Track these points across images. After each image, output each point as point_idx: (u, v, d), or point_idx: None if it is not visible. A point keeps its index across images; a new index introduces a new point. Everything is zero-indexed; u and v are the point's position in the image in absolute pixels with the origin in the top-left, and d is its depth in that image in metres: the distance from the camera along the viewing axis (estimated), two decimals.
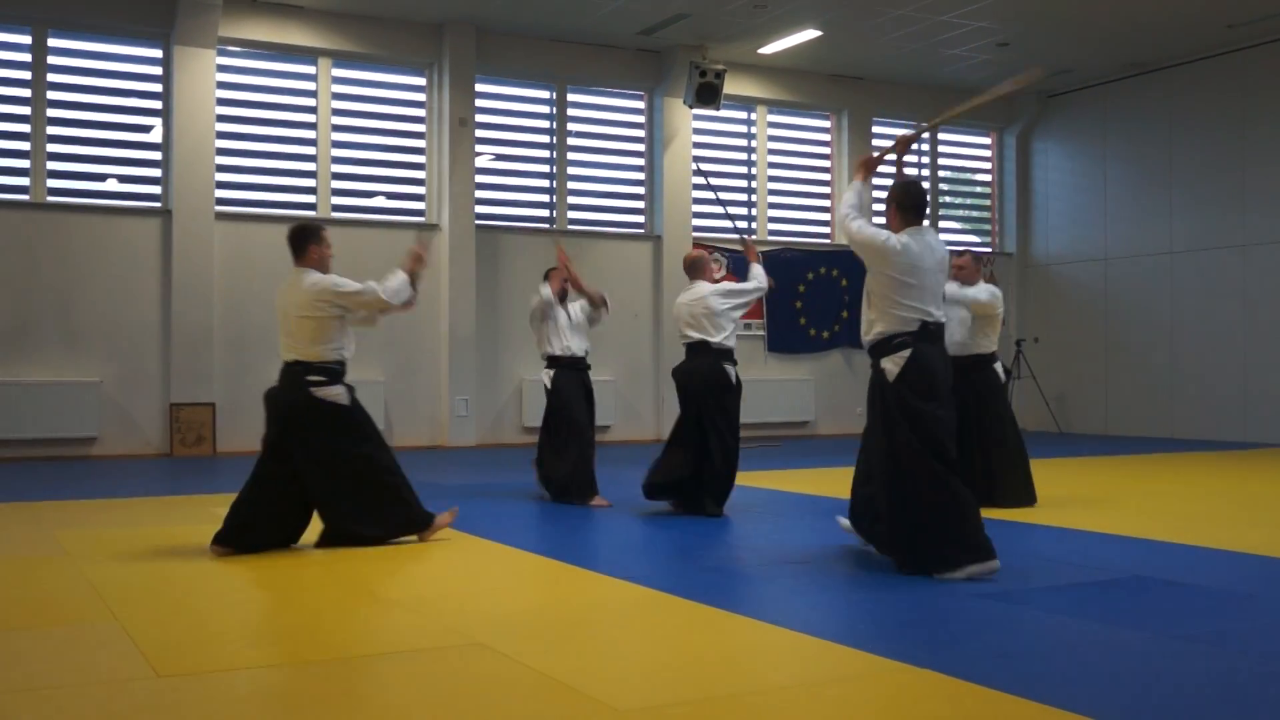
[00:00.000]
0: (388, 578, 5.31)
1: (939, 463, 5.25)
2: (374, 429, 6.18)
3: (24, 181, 11.83)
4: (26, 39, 11.87)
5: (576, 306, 8.43)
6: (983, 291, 7.89)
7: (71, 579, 5.24)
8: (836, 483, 9.35)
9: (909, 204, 5.64)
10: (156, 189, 12.39)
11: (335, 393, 5.98)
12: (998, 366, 7.97)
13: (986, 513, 7.43)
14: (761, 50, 14.36)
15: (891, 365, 5.40)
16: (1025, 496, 7.73)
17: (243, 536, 5.80)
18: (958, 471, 5.33)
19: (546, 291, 8.22)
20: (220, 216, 12.38)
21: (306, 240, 6.13)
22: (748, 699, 3.40)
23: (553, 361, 8.24)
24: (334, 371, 6.01)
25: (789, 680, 3.63)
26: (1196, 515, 7.56)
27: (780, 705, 3.33)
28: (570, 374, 8.23)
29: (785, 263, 15.31)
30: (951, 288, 7.47)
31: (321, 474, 5.90)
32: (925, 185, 16.70)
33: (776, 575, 5.35)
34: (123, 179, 12.40)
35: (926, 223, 5.78)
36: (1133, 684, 3.55)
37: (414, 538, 6.15)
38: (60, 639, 4.16)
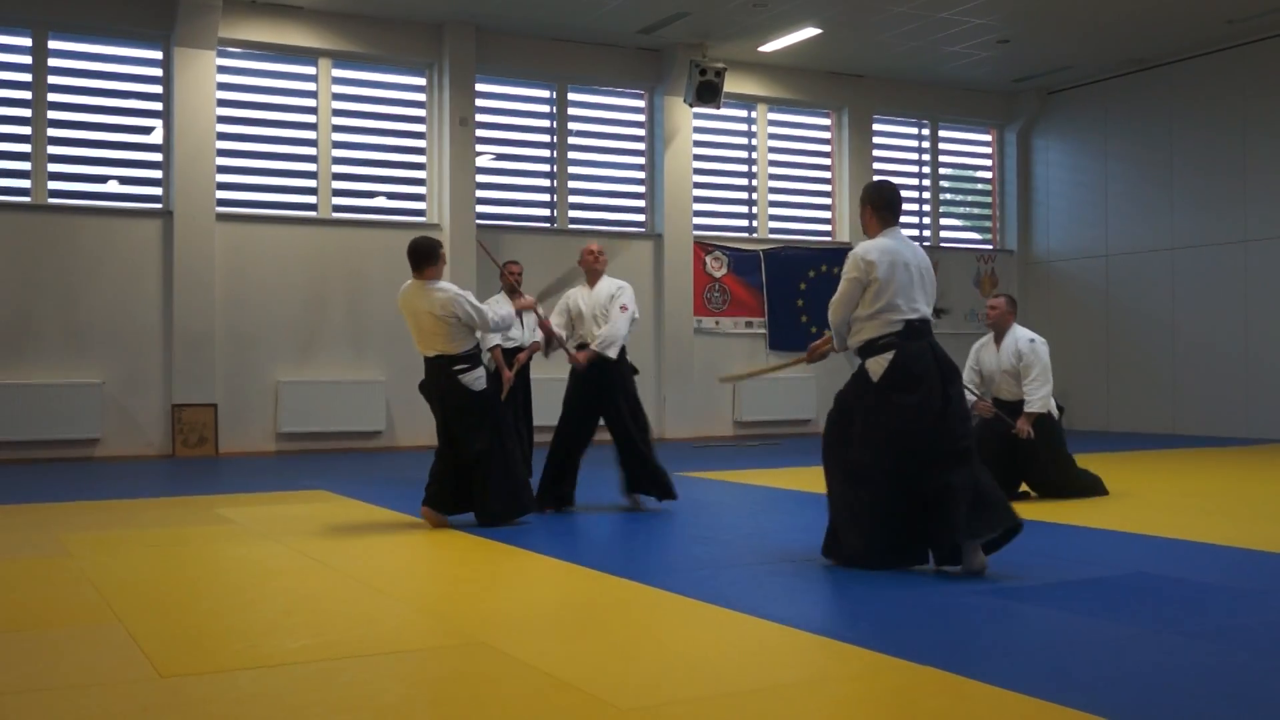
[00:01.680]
0: (390, 577, 5.32)
1: (892, 467, 5.29)
2: (509, 411, 7.19)
3: (25, 184, 11.84)
4: (27, 41, 11.88)
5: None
6: (1038, 370, 7.94)
7: (74, 580, 5.25)
8: None
9: (883, 203, 5.60)
10: (157, 190, 12.40)
11: (476, 377, 6.87)
12: (1052, 405, 7.98)
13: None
14: (761, 48, 14.36)
15: (876, 366, 5.42)
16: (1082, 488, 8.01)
17: (442, 500, 6.79)
18: (913, 476, 5.30)
19: (507, 312, 7.77)
20: (221, 217, 12.39)
21: (427, 260, 6.91)
22: (749, 697, 3.40)
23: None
24: (474, 359, 6.94)
25: (790, 678, 3.64)
26: (1199, 511, 7.56)
27: (782, 703, 3.33)
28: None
29: (786, 261, 15.32)
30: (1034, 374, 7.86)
31: (470, 451, 6.72)
32: (927, 182, 16.76)
33: (778, 573, 5.35)
34: (123, 180, 12.41)
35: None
36: (1135, 680, 3.55)
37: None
38: (63, 640, 4.17)
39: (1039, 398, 7.81)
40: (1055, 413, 7.98)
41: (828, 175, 16.04)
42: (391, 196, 13.64)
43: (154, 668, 3.71)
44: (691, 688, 3.51)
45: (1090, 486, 8.05)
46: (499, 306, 8.20)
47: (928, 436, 5.29)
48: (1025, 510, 7.43)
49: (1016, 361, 7.91)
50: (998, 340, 8.07)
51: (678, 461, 10.08)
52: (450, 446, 6.83)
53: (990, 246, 17.33)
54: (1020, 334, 8.00)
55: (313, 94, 13.08)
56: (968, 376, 8.18)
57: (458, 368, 6.85)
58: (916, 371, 5.36)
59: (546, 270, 13.82)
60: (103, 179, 12.33)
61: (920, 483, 5.29)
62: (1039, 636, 4.17)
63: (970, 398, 7.91)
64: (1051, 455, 7.91)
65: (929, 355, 5.42)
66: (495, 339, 8.46)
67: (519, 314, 8.38)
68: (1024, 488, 8.04)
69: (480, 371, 6.90)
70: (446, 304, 6.80)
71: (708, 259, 14.84)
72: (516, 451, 6.90)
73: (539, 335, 8.51)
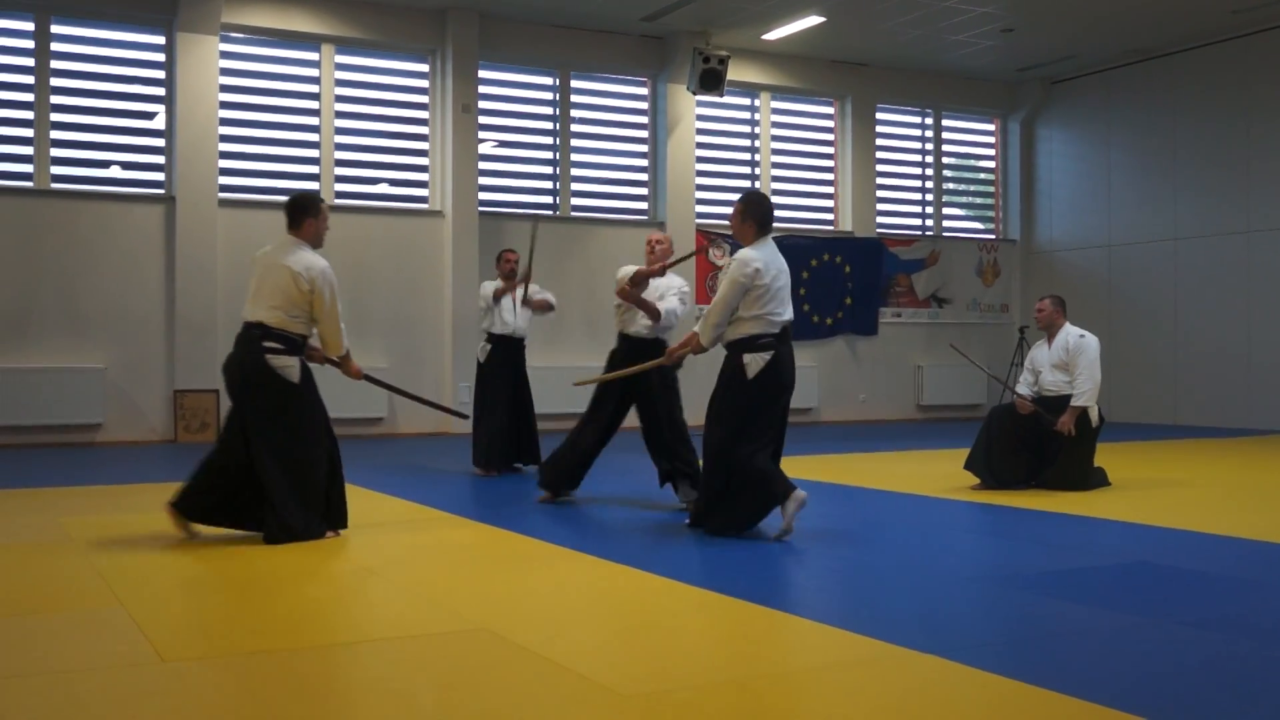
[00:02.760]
0: (392, 563, 5.32)
1: (752, 449, 5.92)
2: (324, 415, 5.99)
3: (27, 168, 11.82)
4: (29, 26, 11.85)
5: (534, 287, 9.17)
6: (1088, 360, 7.97)
7: (77, 565, 5.26)
8: (840, 469, 9.37)
9: (761, 217, 6.12)
10: (160, 175, 12.39)
11: (288, 364, 5.87)
12: (1093, 410, 7.97)
13: (995, 495, 7.46)
14: (765, 36, 14.33)
15: (753, 362, 5.89)
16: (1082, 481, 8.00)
17: (197, 504, 5.77)
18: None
19: (487, 290, 9.12)
20: (224, 203, 12.37)
21: (304, 213, 6.07)
22: (753, 684, 3.41)
23: (490, 338, 9.07)
24: (294, 343, 5.93)
25: (794, 665, 3.64)
26: (1201, 501, 7.57)
27: (785, 690, 3.34)
28: (505, 352, 9.02)
29: (789, 249, 15.18)
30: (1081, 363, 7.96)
31: (265, 452, 5.75)
32: (930, 171, 16.73)
33: (780, 561, 5.36)
34: (126, 166, 12.39)
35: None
36: (1139, 669, 3.55)
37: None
38: (65, 624, 4.18)
39: (1084, 392, 7.88)
40: (1096, 419, 7.99)
41: (831, 164, 16.01)
42: (394, 183, 13.62)
43: (156, 652, 3.71)
44: (695, 674, 3.52)
45: (1098, 481, 8.08)
46: (485, 287, 9.22)
47: (777, 424, 6.04)
48: (1028, 499, 7.45)
49: (1065, 356, 8.02)
50: (1050, 339, 8.21)
51: None
52: (235, 440, 5.84)
53: (993, 236, 17.31)
54: (1071, 331, 8.14)
55: (315, 80, 13.06)
56: (1024, 377, 8.33)
57: (269, 344, 5.86)
58: (784, 371, 5.98)
59: (548, 256, 13.86)
60: (105, 164, 12.31)
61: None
62: (1041, 626, 4.17)
63: (1013, 395, 8.24)
64: (1077, 457, 7.93)
65: (790, 361, 6.06)
66: (343, 346, 6.67)
67: (499, 300, 8.96)
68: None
69: (295, 362, 5.91)
70: (311, 271, 5.91)
71: (710, 248, 14.82)
72: (323, 462, 5.92)
73: (523, 318, 9.18)
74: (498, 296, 8.97)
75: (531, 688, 3.37)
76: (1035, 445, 7.97)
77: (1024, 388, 8.21)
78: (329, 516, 5.94)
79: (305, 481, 5.80)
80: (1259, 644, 3.86)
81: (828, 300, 15.60)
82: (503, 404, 8.91)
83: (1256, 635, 3.98)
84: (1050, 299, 8.34)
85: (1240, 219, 14.51)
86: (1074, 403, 7.87)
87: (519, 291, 8.98)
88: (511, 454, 9.04)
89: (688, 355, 6.42)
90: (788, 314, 6.03)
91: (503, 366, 9.00)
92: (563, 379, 12.36)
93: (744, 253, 6.00)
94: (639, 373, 6.83)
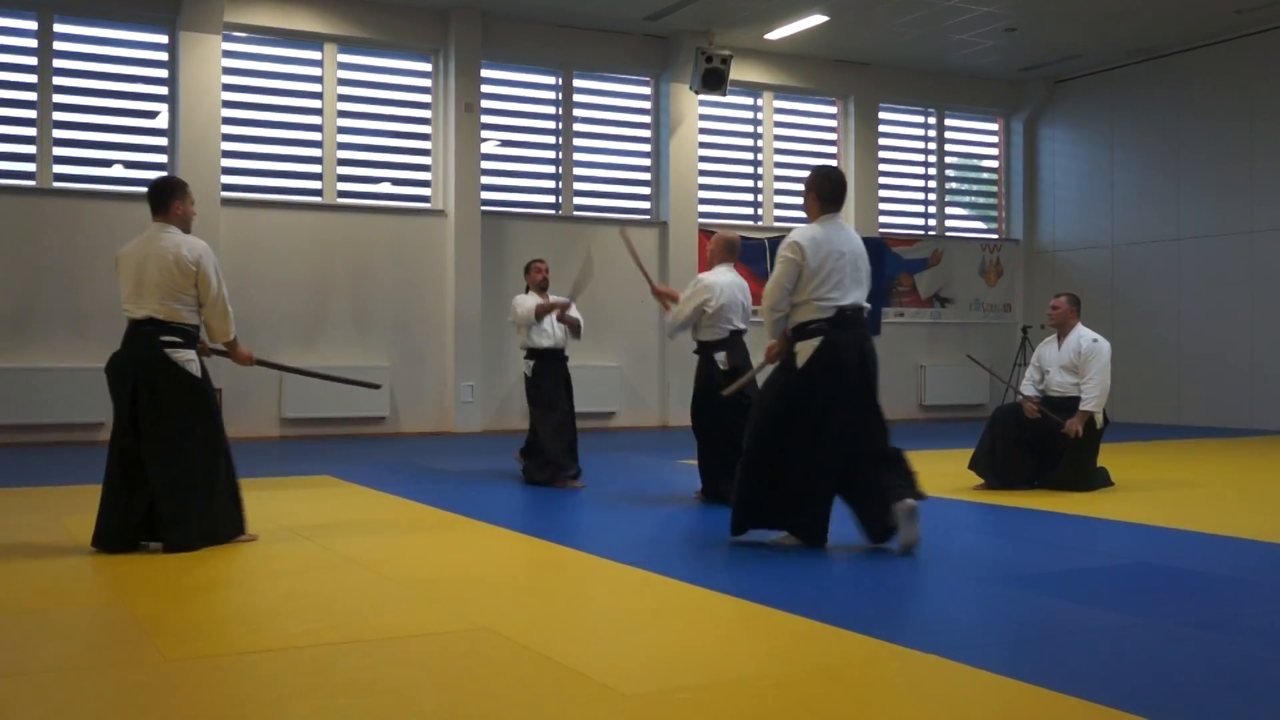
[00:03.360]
0: (395, 562, 5.32)
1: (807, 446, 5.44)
2: (220, 413, 5.79)
3: (30, 167, 11.83)
4: (32, 24, 11.86)
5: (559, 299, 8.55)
6: (1098, 365, 7.92)
7: (79, 564, 5.26)
8: None
9: (827, 193, 5.74)
10: (162, 175, 12.37)
11: (189, 357, 5.57)
12: (1098, 415, 7.94)
13: (997, 495, 7.45)
14: (768, 36, 14.32)
15: (802, 350, 5.48)
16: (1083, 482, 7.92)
17: (114, 536, 5.47)
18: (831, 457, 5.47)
19: (527, 308, 8.28)
20: (226, 202, 12.38)
21: (171, 195, 5.69)
22: (754, 684, 3.41)
23: (533, 354, 8.36)
24: (189, 335, 5.62)
25: (795, 665, 3.64)
26: (1203, 502, 7.55)
27: (786, 690, 3.34)
28: (552, 365, 8.36)
29: None
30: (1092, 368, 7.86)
31: (167, 455, 5.47)
32: (933, 171, 16.72)
33: (782, 560, 5.35)
34: (128, 164, 12.40)
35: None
36: (1139, 669, 3.55)
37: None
38: (68, 623, 4.18)
39: (1093, 396, 7.83)
40: (1101, 421, 7.95)
41: (833, 164, 16.00)
42: (396, 182, 13.62)
43: (159, 650, 3.71)
44: (697, 674, 3.51)
45: (1100, 481, 8.05)
46: (522, 304, 8.39)
47: (846, 429, 5.43)
48: (1030, 499, 7.45)
49: (1075, 358, 7.95)
50: (1060, 339, 8.13)
51: (683, 449, 10.07)
52: (133, 446, 5.52)
53: (996, 236, 17.30)
54: (1084, 333, 8.05)
55: (318, 79, 13.06)
56: (1029, 374, 8.28)
57: (167, 339, 5.49)
58: (840, 360, 5.44)
59: (551, 257, 13.84)
60: (108, 163, 12.32)
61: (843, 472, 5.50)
62: (1042, 626, 4.17)
63: (1018, 395, 8.17)
64: (1081, 459, 7.90)
65: (854, 347, 5.49)
66: (231, 330, 5.97)
67: (540, 319, 8.26)
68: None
69: (194, 355, 5.60)
70: (193, 251, 5.54)
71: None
72: (228, 464, 5.68)
73: (560, 330, 8.50)
74: (540, 315, 8.28)
75: (532, 687, 3.36)
76: (1039, 446, 7.94)
77: (1029, 386, 8.17)
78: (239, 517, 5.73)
79: (212, 480, 5.55)
80: (1261, 645, 3.85)
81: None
82: (561, 409, 8.31)
83: (1258, 636, 3.98)
84: (1066, 297, 8.24)
85: (1244, 219, 14.50)
86: (1083, 407, 7.82)
87: (569, 307, 8.41)
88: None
89: (785, 349, 5.73)
90: (845, 298, 5.51)
91: (553, 379, 8.37)
92: None
93: (793, 231, 5.71)
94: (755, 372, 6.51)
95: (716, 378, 7.03)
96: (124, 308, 5.61)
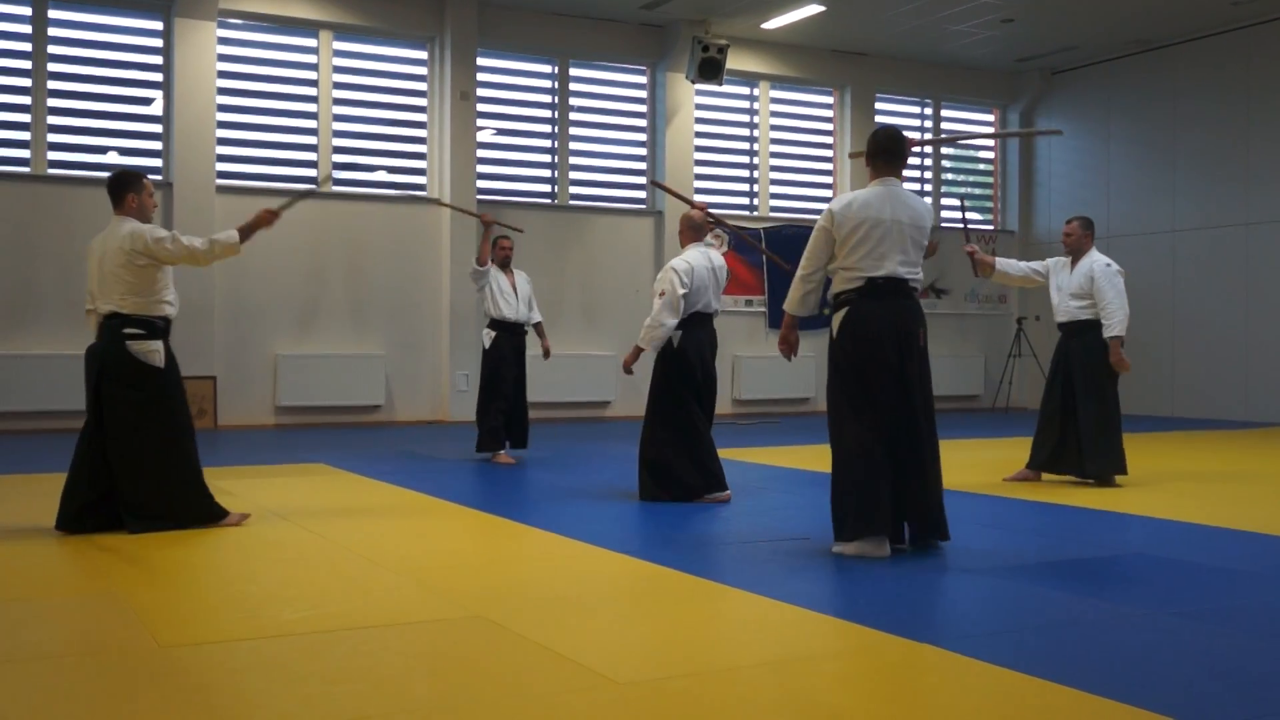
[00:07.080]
0: (389, 550, 5.32)
1: (858, 426, 5.11)
2: (186, 403, 5.85)
3: (24, 154, 11.80)
4: (27, 10, 11.81)
5: (523, 278, 9.29)
6: (1107, 284, 7.82)
7: (73, 550, 5.26)
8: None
9: (877, 151, 5.42)
10: (157, 162, 12.36)
11: (151, 348, 5.66)
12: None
13: (994, 486, 7.46)
14: (764, 25, 14.30)
15: (834, 321, 5.29)
16: (1110, 466, 7.74)
17: (76, 518, 5.59)
18: (885, 438, 5.14)
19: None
20: (221, 189, 12.35)
21: (126, 188, 5.79)
22: (746, 672, 3.41)
23: (495, 324, 9.13)
24: (154, 326, 5.71)
25: (787, 654, 3.64)
26: (1198, 494, 7.57)
27: (778, 678, 3.34)
28: (511, 338, 9.13)
29: (787, 239, 15.25)
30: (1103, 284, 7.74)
31: (125, 441, 5.60)
32: (929, 162, 16.71)
33: (775, 550, 5.36)
34: (123, 152, 12.37)
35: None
36: (1134, 660, 3.56)
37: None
38: (62, 609, 4.18)
39: (1116, 321, 7.67)
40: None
41: (829, 154, 15.99)
42: (392, 170, 13.60)
43: (153, 637, 3.71)
44: (689, 662, 3.52)
45: (1116, 468, 7.89)
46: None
47: (886, 413, 5.14)
48: (1021, 490, 7.46)
49: (1087, 284, 7.79)
50: (1074, 264, 7.95)
51: None
52: (99, 435, 5.63)
53: (991, 227, 17.30)
54: (1097, 258, 7.90)
55: (314, 66, 13.02)
56: (1032, 264, 8.19)
57: (129, 331, 5.61)
58: (868, 333, 5.18)
59: (548, 245, 13.85)
60: (103, 150, 12.28)
61: (894, 452, 5.17)
62: (1036, 616, 4.17)
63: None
64: (1105, 446, 7.77)
65: (885, 320, 5.20)
66: (214, 251, 5.84)
67: (481, 269, 8.97)
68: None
69: (159, 345, 5.67)
70: (138, 236, 5.60)
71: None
72: (194, 455, 5.78)
73: (535, 315, 9.33)
74: (481, 261, 9.04)
75: (527, 675, 3.37)
76: (1071, 414, 7.76)
77: (1020, 263, 8.16)
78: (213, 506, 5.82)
79: (170, 466, 5.66)
80: (1253, 635, 3.86)
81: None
82: (509, 388, 9.02)
83: (1254, 627, 3.99)
84: (1079, 220, 8.06)
85: (1239, 211, 14.50)
86: (1109, 334, 7.63)
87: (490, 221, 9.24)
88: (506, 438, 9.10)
89: (794, 340, 5.74)
90: (879, 269, 5.20)
91: (510, 351, 9.09)
92: (558, 368, 12.37)
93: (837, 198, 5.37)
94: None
95: (666, 356, 6.82)
96: (88, 302, 5.80)
